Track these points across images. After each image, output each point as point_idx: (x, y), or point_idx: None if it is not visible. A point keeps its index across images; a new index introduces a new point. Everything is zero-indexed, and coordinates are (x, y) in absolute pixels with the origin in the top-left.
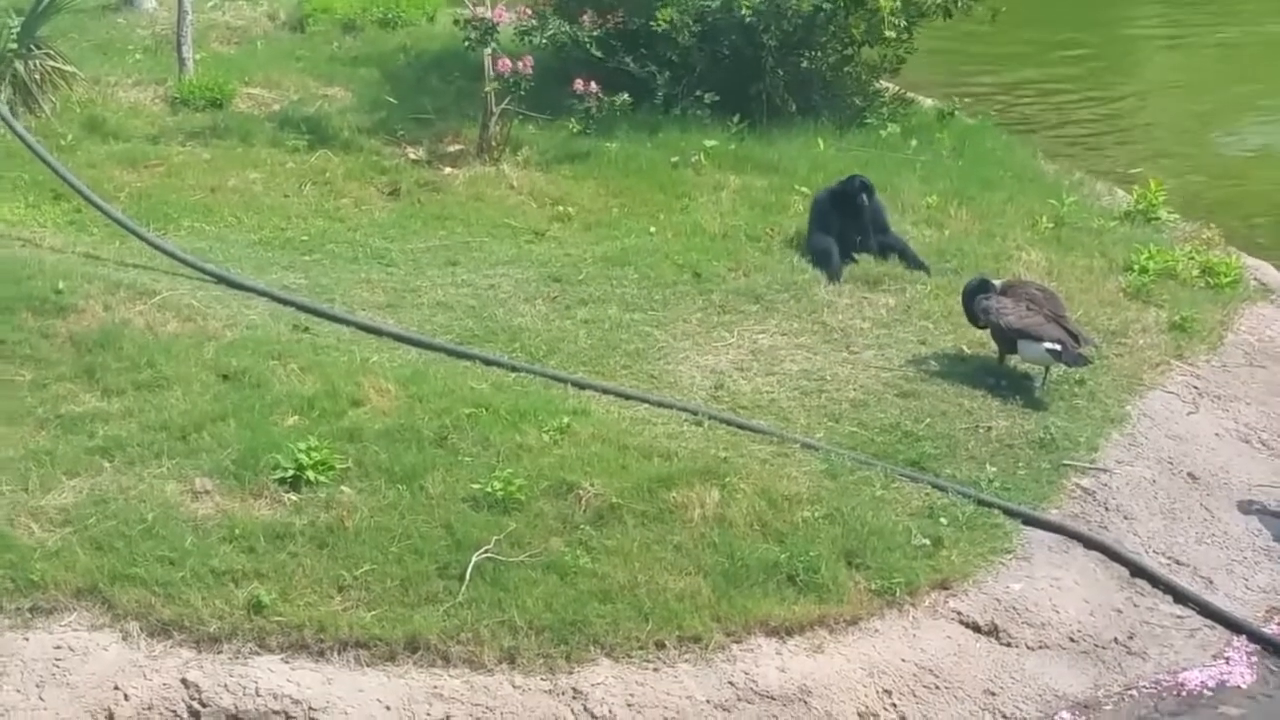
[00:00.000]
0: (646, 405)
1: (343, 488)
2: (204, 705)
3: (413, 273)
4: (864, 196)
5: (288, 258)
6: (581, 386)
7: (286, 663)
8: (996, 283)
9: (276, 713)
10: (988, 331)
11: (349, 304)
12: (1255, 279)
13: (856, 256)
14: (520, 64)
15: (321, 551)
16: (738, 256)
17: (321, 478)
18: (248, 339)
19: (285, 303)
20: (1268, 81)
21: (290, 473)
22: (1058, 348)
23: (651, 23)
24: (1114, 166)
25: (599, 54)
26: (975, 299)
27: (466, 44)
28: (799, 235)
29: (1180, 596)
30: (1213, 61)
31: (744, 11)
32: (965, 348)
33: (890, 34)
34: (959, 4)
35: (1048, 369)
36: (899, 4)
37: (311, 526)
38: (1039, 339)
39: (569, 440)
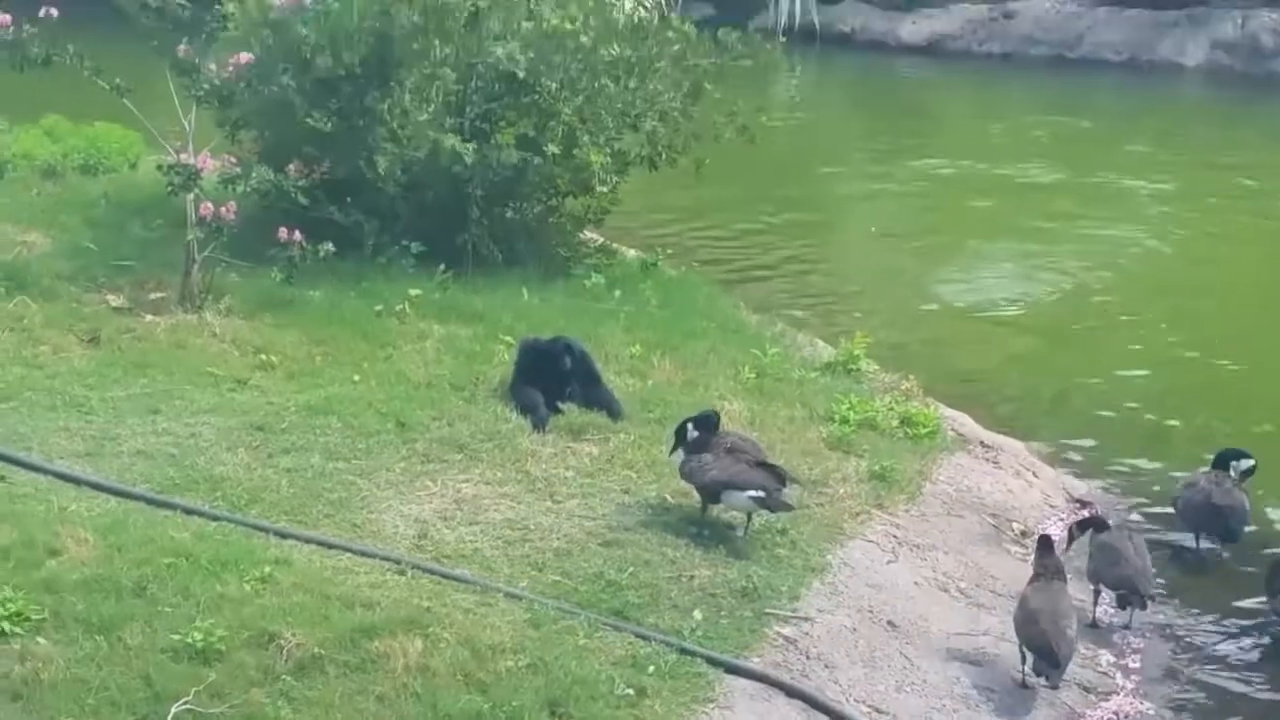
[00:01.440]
0: (349, 554)
1: (39, 639)
2: None
3: (113, 421)
4: (566, 359)
5: None
6: (284, 536)
7: None
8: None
9: None
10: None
11: (46, 452)
12: (953, 429)
13: (562, 407)
14: (223, 209)
15: (16, 704)
16: (441, 405)
17: (17, 629)
18: None
19: None
20: (972, 233)
21: None
22: (761, 494)
23: (365, 169)
24: (816, 317)
25: (304, 203)
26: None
27: (170, 190)
28: (504, 384)
29: None
30: (914, 212)
31: (456, 168)
32: (669, 497)
33: (602, 189)
34: (664, 156)
35: (750, 517)
36: (608, 160)
37: (5, 679)
38: (743, 488)
39: (271, 590)
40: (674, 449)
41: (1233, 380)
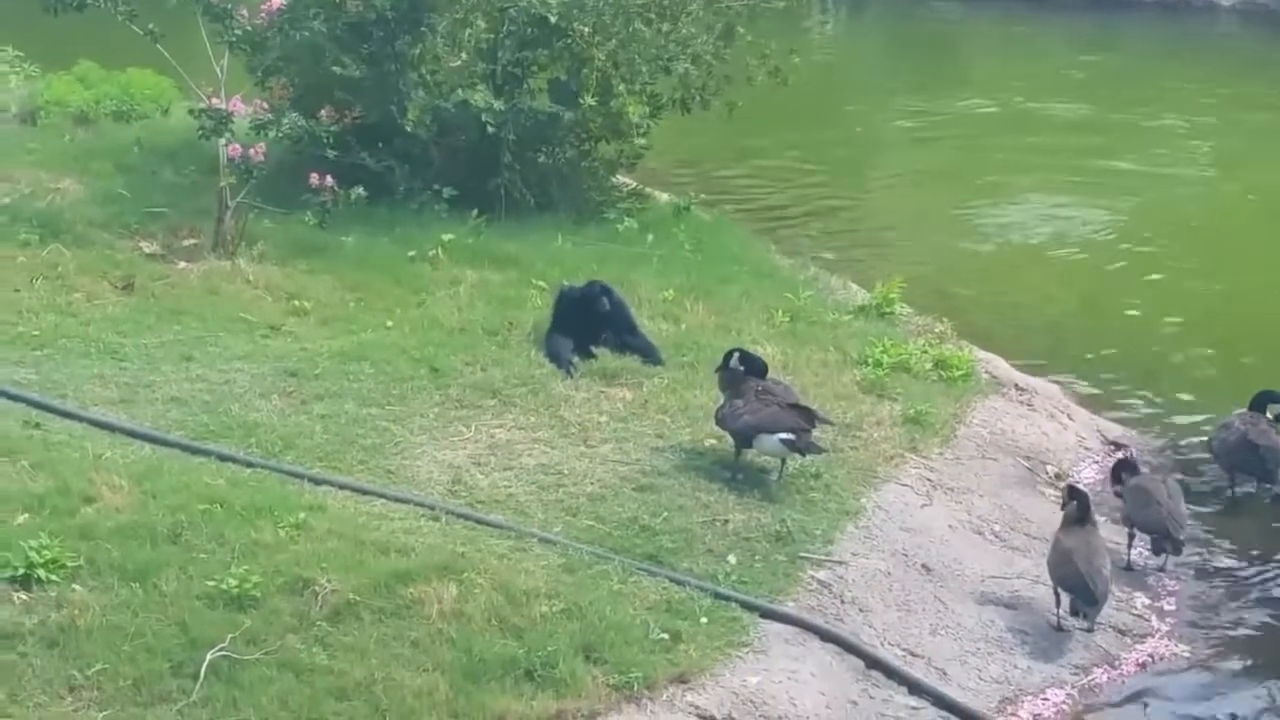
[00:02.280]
0: (383, 500)
1: (74, 586)
2: None
3: (147, 368)
4: (605, 300)
5: (18, 353)
6: (318, 482)
7: None
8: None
9: None
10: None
11: (81, 400)
12: (987, 372)
13: (595, 351)
14: (252, 151)
15: (52, 651)
16: (475, 351)
17: (52, 576)
18: None
19: (15, 399)
20: (1006, 173)
21: (20, 571)
22: (792, 437)
23: (396, 115)
24: (849, 261)
25: (333, 152)
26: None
27: (201, 134)
28: (537, 329)
29: (915, 688)
30: (948, 152)
31: (485, 117)
32: (703, 441)
33: (639, 140)
34: (697, 99)
35: (784, 461)
36: (645, 108)
37: (42, 626)
38: (774, 431)
39: (305, 536)
40: (720, 369)
41: (1273, 322)
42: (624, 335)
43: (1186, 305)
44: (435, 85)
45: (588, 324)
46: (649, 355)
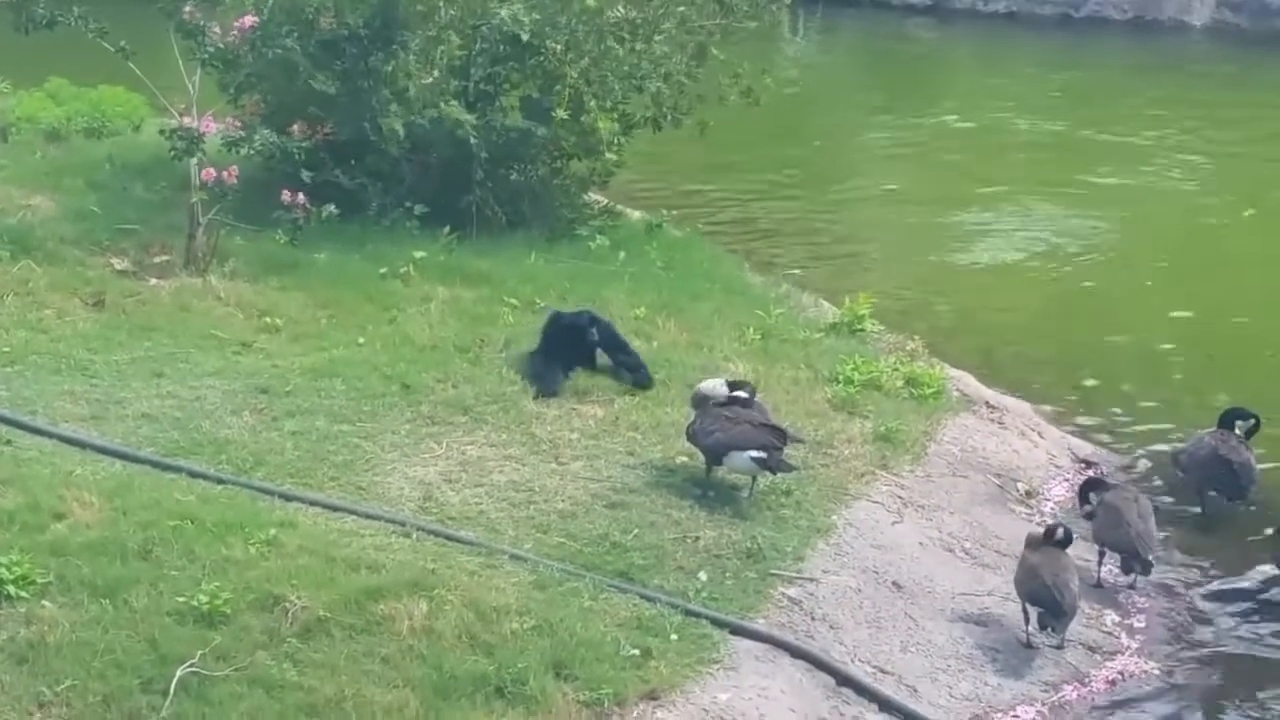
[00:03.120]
0: (354, 517)
1: (44, 602)
2: None
3: (117, 384)
4: (593, 330)
5: None
6: (288, 498)
7: None
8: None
9: None
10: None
11: (52, 416)
12: (958, 390)
13: (572, 376)
14: (225, 174)
15: (21, 668)
16: (446, 368)
17: (22, 593)
18: None
19: None
20: (979, 189)
21: None
22: (763, 455)
23: (369, 131)
24: (821, 277)
25: (307, 172)
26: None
27: (173, 154)
28: (509, 346)
29: (885, 705)
30: (919, 170)
31: (459, 133)
32: (674, 459)
33: (610, 155)
34: (669, 117)
35: (755, 479)
36: (616, 125)
37: (11, 642)
38: (744, 448)
39: (276, 553)
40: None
41: (1242, 342)
42: (617, 355)
43: (1159, 324)
44: (409, 101)
45: (575, 350)
46: (638, 374)
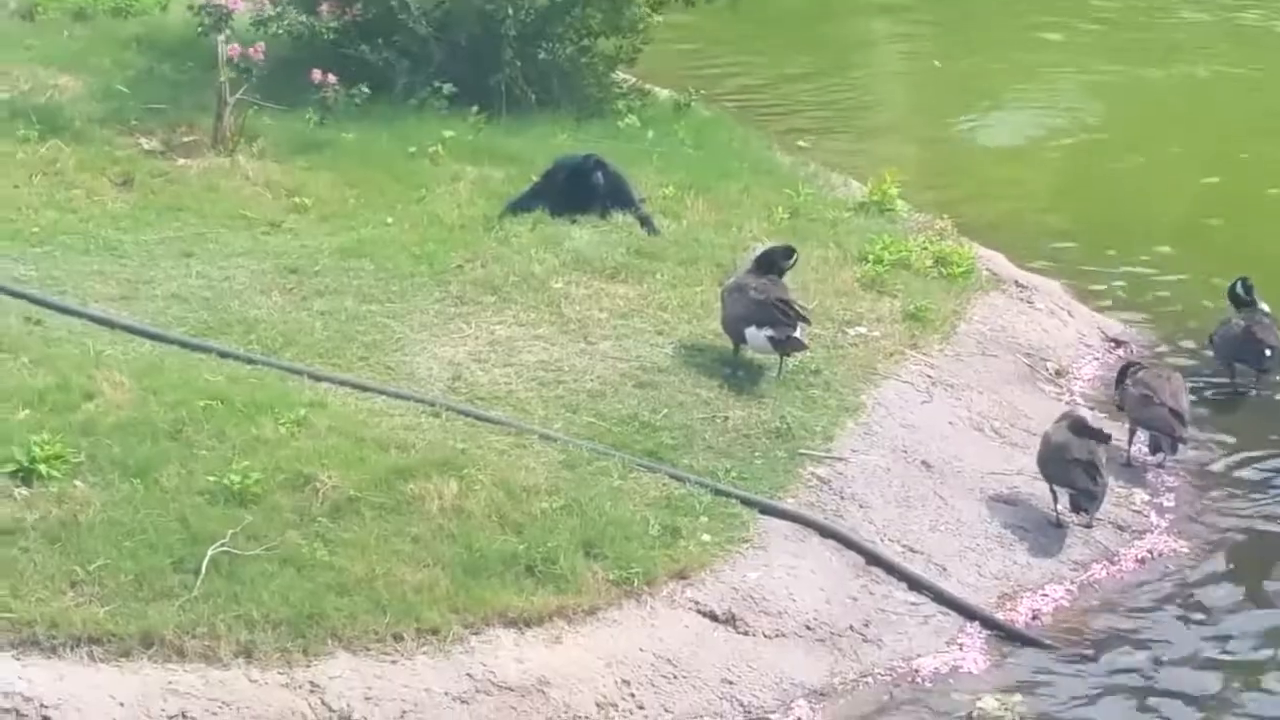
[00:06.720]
0: (384, 397)
1: (76, 482)
2: None
3: (146, 264)
4: (598, 175)
5: (18, 249)
6: (318, 378)
7: (18, 659)
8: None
9: (7, 710)
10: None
11: (81, 296)
12: (987, 269)
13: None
14: (251, 50)
15: (53, 547)
16: (475, 247)
17: (54, 472)
18: None
19: (15, 295)
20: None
21: (21, 467)
22: (774, 332)
23: (396, 9)
24: (849, 158)
25: (336, 44)
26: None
27: (200, 31)
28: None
29: (915, 584)
30: (951, 49)
31: (489, 6)
32: (703, 338)
33: (642, 26)
34: None
35: (782, 359)
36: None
37: (43, 521)
38: (761, 325)
39: (306, 433)
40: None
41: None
42: (625, 209)
43: (1187, 201)
44: None
45: (576, 195)
46: (646, 224)
